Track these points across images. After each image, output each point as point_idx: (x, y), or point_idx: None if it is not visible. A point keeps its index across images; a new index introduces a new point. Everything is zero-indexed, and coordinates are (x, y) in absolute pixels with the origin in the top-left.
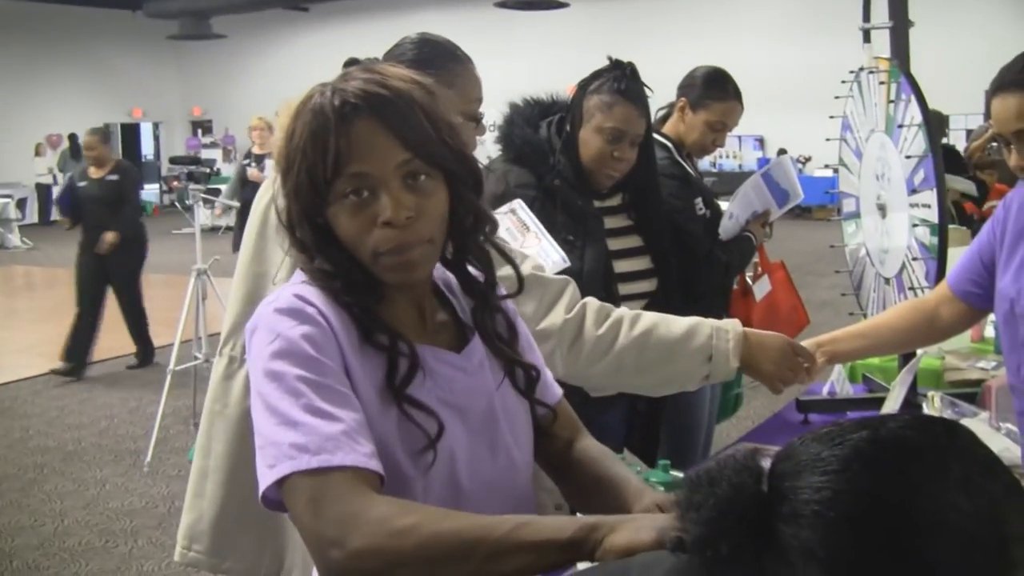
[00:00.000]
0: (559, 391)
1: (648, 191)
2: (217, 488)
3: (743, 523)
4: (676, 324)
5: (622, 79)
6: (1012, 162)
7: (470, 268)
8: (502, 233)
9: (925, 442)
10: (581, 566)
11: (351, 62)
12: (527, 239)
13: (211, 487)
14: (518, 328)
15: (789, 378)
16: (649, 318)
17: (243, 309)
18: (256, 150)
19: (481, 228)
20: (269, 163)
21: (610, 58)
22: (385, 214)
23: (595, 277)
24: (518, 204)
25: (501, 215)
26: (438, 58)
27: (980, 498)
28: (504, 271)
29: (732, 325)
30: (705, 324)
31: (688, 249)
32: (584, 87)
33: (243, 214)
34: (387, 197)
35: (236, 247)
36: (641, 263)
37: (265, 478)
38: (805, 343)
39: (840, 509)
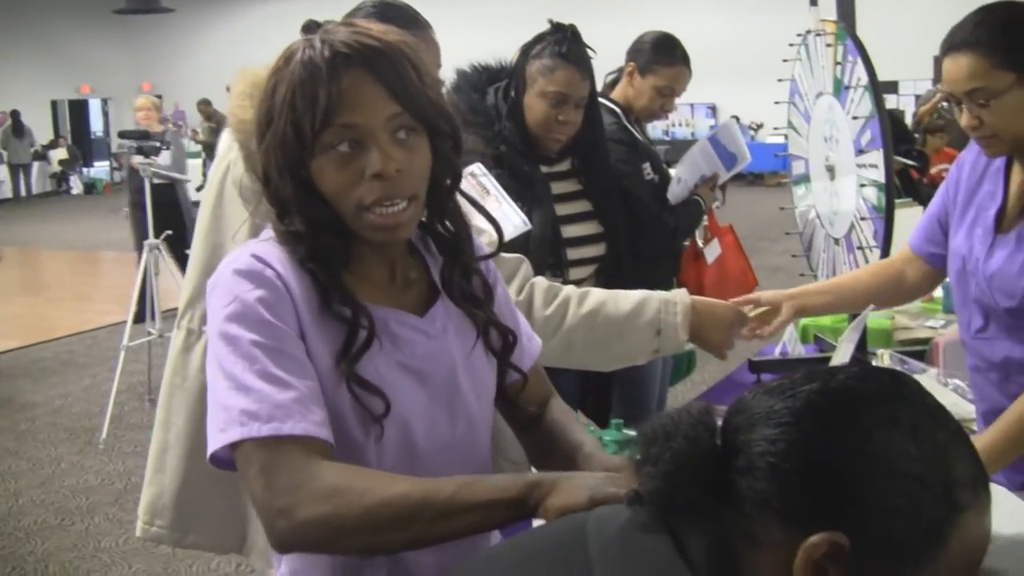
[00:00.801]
0: (535, 353)
1: (595, 155)
2: (178, 462)
3: (699, 476)
4: (624, 300)
5: (563, 42)
6: (963, 122)
7: (444, 227)
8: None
9: (874, 392)
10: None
11: (310, 24)
12: (487, 203)
13: (172, 461)
14: (495, 290)
15: (726, 343)
16: (597, 296)
17: (200, 281)
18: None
19: (457, 187)
20: (225, 135)
21: (551, 22)
22: (375, 167)
23: (543, 242)
24: (478, 167)
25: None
26: (399, 21)
27: (927, 445)
28: (482, 235)
29: (680, 297)
30: (653, 298)
31: (636, 213)
32: (526, 52)
33: (137, 205)
34: (376, 150)
35: (139, 242)
36: (589, 227)
37: (215, 440)
38: (772, 294)
39: (794, 459)
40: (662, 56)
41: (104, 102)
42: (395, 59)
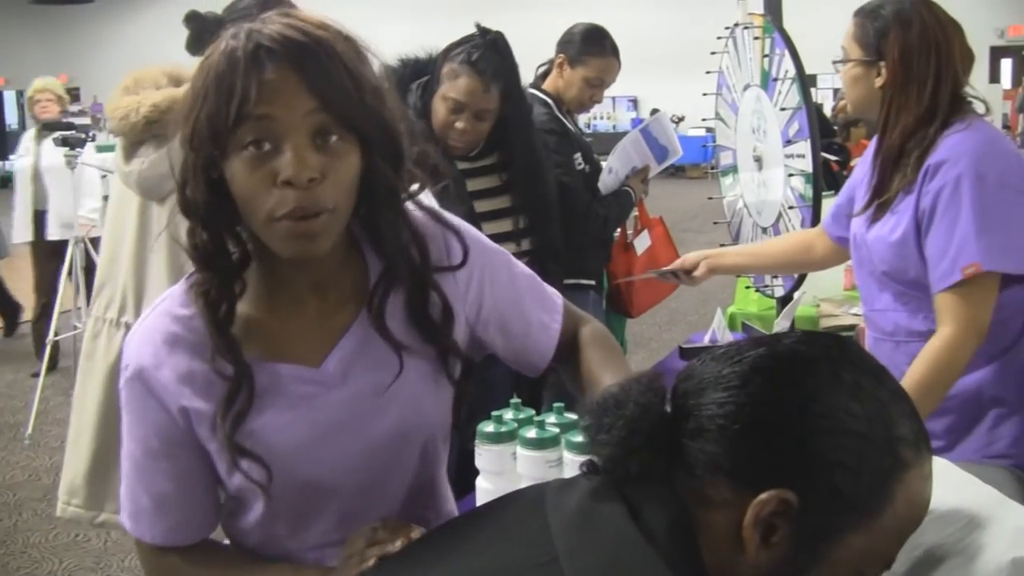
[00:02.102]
0: (551, 341)
1: (519, 151)
2: (90, 442)
3: (651, 441)
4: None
5: (476, 50)
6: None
7: (380, 247)
8: None
9: (818, 354)
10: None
11: (192, 16)
12: None
13: (84, 441)
14: (455, 309)
15: None
16: None
17: (105, 269)
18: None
19: (393, 205)
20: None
21: (477, 25)
22: (286, 172)
23: None
24: (426, 192)
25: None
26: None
27: (870, 403)
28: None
29: None
30: None
31: (567, 203)
32: (447, 51)
33: None
34: (290, 152)
35: None
36: (506, 225)
37: None
38: (693, 255)
39: (743, 421)
40: (592, 47)
41: (19, 94)
42: (323, 55)
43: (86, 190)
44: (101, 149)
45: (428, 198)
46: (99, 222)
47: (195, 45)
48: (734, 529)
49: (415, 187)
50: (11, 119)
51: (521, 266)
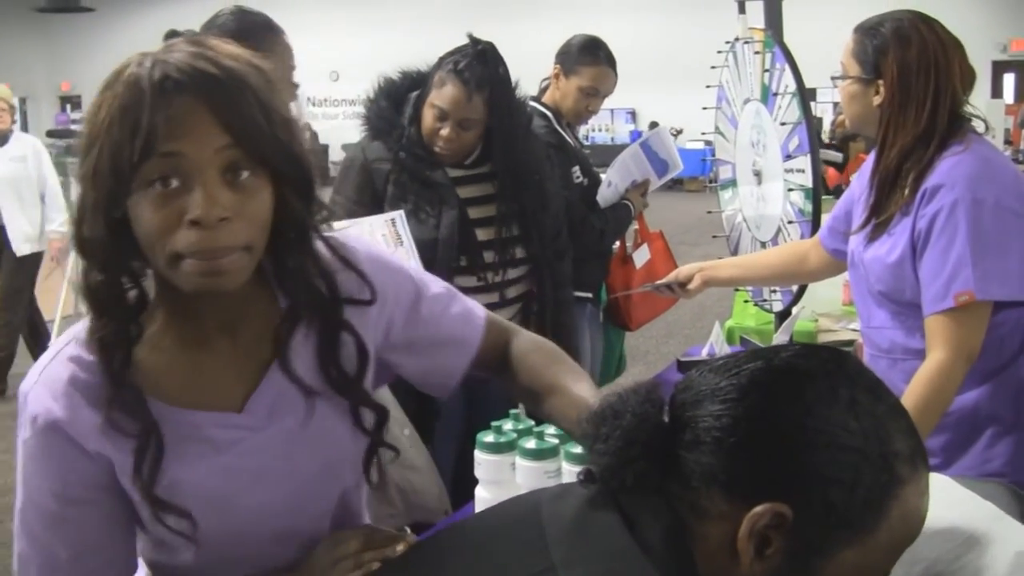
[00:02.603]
0: (476, 341)
1: (510, 160)
2: None
3: (648, 452)
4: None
5: (462, 59)
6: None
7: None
8: (377, 238)
9: (815, 368)
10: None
11: (172, 34)
12: (398, 252)
13: None
14: (369, 352)
15: None
16: None
17: None
18: None
19: (302, 240)
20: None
21: (469, 36)
22: (195, 212)
23: (450, 245)
24: (399, 216)
25: (381, 221)
26: (257, 28)
27: (866, 419)
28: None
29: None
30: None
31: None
32: (440, 61)
33: None
34: (200, 191)
35: None
36: (493, 232)
37: None
38: (688, 267)
39: (739, 434)
40: (585, 57)
41: (22, 101)
42: (233, 88)
43: (52, 203)
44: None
45: (406, 233)
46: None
47: None
48: (729, 541)
49: (322, 221)
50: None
51: (435, 284)
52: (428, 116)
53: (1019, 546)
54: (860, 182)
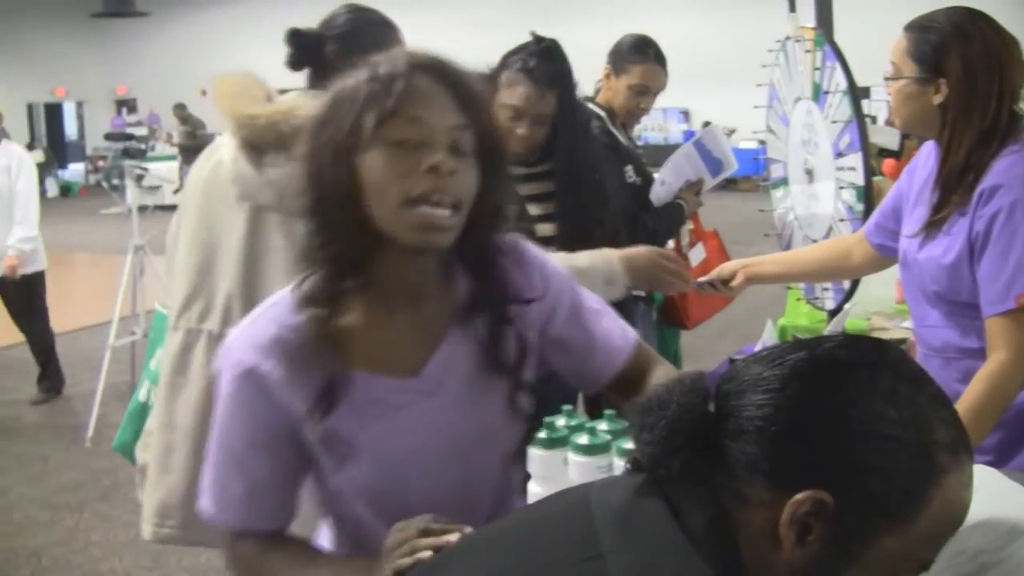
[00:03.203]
0: (623, 357)
1: (571, 158)
2: (184, 462)
3: (692, 441)
4: (578, 258)
5: (530, 58)
6: (885, 89)
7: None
8: None
9: (857, 359)
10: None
11: (294, 33)
12: None
13: (179, 462)
14: (530, 343)
15: (667, 284)
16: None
17: (196, 280)
18: None
19: (497, 227)
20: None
21: (532, 34)
22: (436, 158)
23: None
24: None
25: None
26: (374, 25)
27: (907, 408)
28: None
29: (611, 253)
30: (597, 255)
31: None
32: (504, 60)
33: None
34: (437, 148)
35: None
36: (549, 229)
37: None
38: (731, 264)
39: (781, 424)
40: (634, 55)
41: (79, 105)
42: (468, 79)
43: (18, 215)
44: (156, 159)
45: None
46: (34, 255)
47: (298, 62)
48: (771, 528)
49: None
50: (70, 130)
51: (593, 299)
52: (500, 116)
53: None
54: (909, 179)
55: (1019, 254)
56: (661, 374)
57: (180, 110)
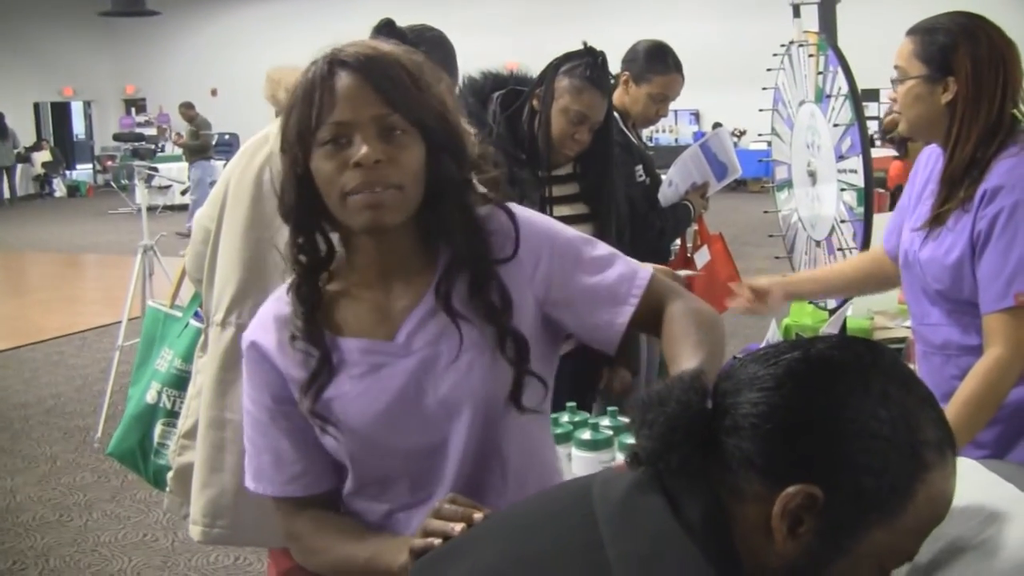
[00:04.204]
0: (632, 301)
1: (600, 161)
2: (237, 459)
3: (691, 437)
4: None
5: (593, 66)
6: (889, 94)
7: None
8: None
9: (849, 360)
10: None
11: (386, 23)
12: None
13: (231, 459)
14: (514, 297)
15: None
16: None
17: (246, 275)
18: None
19: (457, 196)
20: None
21: (584, 44)
22: (356, 156)
23: None
24: None
25: None
26: (449, 46)
27: (896, 409)
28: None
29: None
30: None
31: (627, 213)
32: (556, 66)
33: None
34: (360, 143)
35: None
36: (584, 229)
37: None
38: (768, 280)
39: (774, 421)
40: (656, 65)
41: (87, 104)
42: (387, 65)
43: None
44: (166, 160)
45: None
46: None
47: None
48: (764, 521)
49: (480, 185)
50: (79, 129)
51: (600, 248)
52: (561, 121)
53: None
54: (910, 189)
55: (1020, 253)
56: (675, 310)
57: (187, 109)
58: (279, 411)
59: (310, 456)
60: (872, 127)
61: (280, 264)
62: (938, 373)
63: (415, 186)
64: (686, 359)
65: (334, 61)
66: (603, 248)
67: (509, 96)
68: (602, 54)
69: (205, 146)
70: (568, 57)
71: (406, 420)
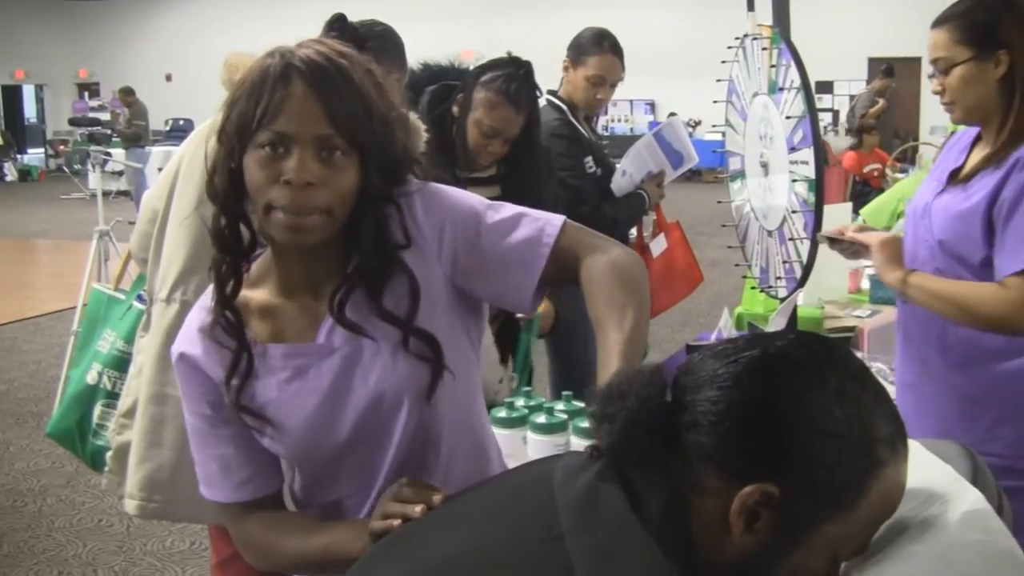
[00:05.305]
0: (539, 260)
1: (523, 163)
2: (178, 435)
3: (650, 431)
4: None
5: (511, 81)
6: (932, 88)
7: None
8: None
9: (806, 358)
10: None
11: (341, 19)
12: None
13: (171, 435)
14: (419, 284)
15: None
16: None
17: (193, 252)
18: None
19: (377, 212)
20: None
21: (509, 54)
22: (288, 174)
23: None
24: None
25: None
26: (399, 40)
27: (851, 406)
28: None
29: None
30: None
31: (575, 205)
32: (477, 75)
33: None
34: (296, 159)
35: None
36: None
37: None
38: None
39: (733, 419)
40: (590, 47)
41: (39, 88)
42: (340, 82)
43: None
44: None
45: None
46: None
47: None
48: (722, 515)
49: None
50: (30, 113)
51: (503, 210)
52: (475, 132)
53: (968, 505)
54: (940, 154)
55: None
56: (593, 267)
57: (126, 95)
58: (218, 418)
59: (254, 460)
60: (826, 119)
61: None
62: (924, 327)
63: (343, 207)
64: (613, 327)
65: (289, 64)
66: (508, 210)
67: (441, 91)
68: (526, 65)
69: (138, 135)
70: (491, 66)
71: (339, 416)
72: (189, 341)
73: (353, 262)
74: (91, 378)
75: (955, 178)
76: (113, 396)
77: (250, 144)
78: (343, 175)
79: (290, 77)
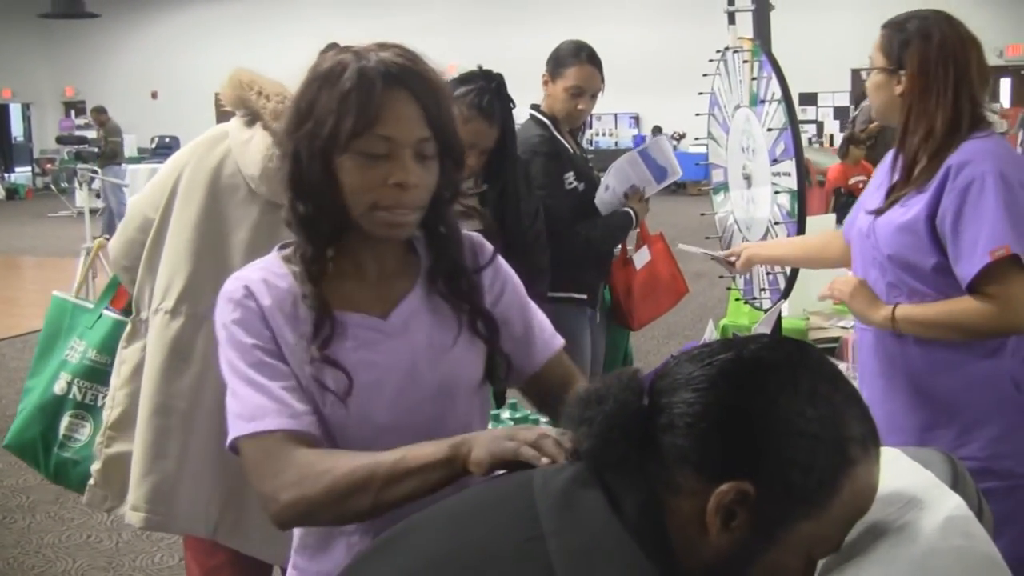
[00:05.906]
0: (551, 350)
1: (500, 176)
2: (181, 449)
3: (628, 434)
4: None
5: (483, 95)
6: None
7: (439, 232)
8: None
9: (779, 360)
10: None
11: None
12: None
13: (175, 447)
14: (501, 286)
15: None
16: None
17: (198, 266)
18: None
19: (455, 201)
20: (233, 124)
21: (480, 67)
22: (399, 176)
23: None
24: None
25: None
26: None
27: (824, 407)
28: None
29: None
30: None
31: (550, 223)
32: (453, 89)
33: None
34: (404, 162)
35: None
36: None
37: (228, 438)
38: (736, 247)
39: (708, 421)
40: (568, 58)
41: (26, 107)
42: (435, 88)
43: None
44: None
45: None
46: None
47: None
48: (699, 515)
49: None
50: (17, 131)
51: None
52: None
53: (948, 511)
54: (875, 180)
55: (993, 217)
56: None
57: (99, 114)
58: (273, 358)
59: (308, 403)
60: (810, 131)
61: (239, 261)
62: (874, 345)
63: (428, 201)
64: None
65: (388, 71)
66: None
67: None
68: (498, 78)
69: (114, 152)
70: (463, 80)
71: (400, 398)
72: (256, 287)
73: (429, 255)
74: (59, 388)
75: (892, 194)
76: (83, 407)
77: (351, 146)
78: (432, 176)
79: (390, 82)
